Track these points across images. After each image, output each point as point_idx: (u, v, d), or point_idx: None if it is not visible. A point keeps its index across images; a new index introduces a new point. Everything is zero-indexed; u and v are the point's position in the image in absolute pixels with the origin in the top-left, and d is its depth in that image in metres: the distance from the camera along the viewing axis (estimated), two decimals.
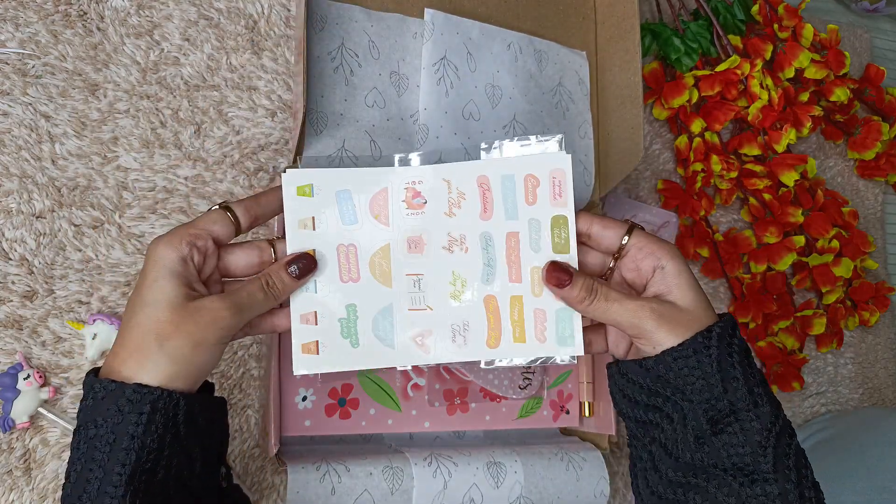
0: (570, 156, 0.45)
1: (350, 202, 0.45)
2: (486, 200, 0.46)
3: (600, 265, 0.45)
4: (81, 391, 0.53)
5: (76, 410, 0.53)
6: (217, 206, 0.43)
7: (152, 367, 0.38)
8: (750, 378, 0.41)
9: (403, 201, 0.46)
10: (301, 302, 0.44)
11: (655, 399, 0.43)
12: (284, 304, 0.45)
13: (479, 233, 0.45)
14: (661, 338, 0.41)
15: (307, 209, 0.45)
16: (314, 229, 0.45)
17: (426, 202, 0.46)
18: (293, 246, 0.44)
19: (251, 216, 0.44)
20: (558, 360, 0.45)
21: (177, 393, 0.38)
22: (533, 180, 0.45)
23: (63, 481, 0.37)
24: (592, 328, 0.47)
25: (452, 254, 0.46)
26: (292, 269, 0.43)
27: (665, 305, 0.41)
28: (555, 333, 0.45)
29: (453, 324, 0.45)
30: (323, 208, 0.45)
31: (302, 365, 0.44)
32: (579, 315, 0.45)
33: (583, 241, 0.45)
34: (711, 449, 0.40)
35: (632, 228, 0.44)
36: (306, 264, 0.43)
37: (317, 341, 0.44)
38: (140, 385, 0.37)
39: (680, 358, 0.40)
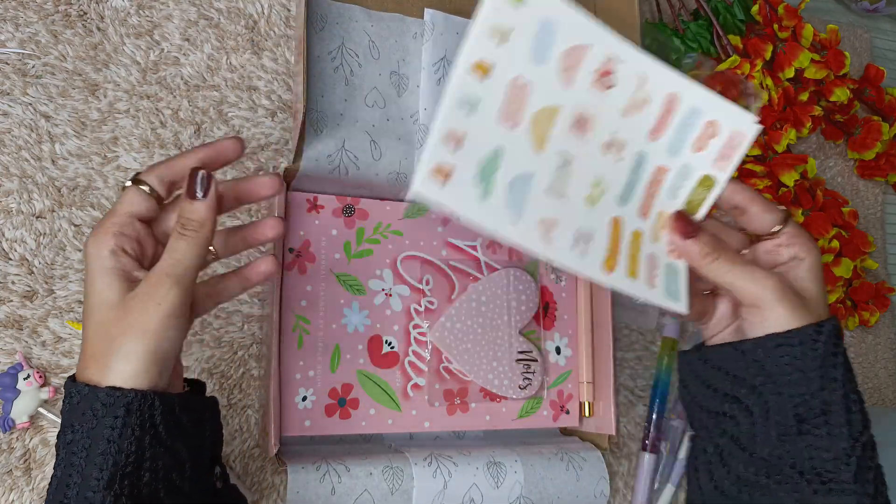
0: (759, 128, 0.43)
1: (551, 36, 0.38)
2: (662, 121, 0.42)
3: (736, 244, 0.44)
4: None
5: None
6: (129, 183, 0.40)
7: (114, 370, 0.36)
8: (848, 383, 0.40)
9: (595, 71, 0.40)
10: (452, 117, 0.36)
11: (738, 389, 0.41)
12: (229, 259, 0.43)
13: (638, 149, 0.42)
14: (777, 315, 0.40)
15: (509, 17, 0.36)
16: (506, 42, 0.36)
17: (612, 87, 0.40)
18: (471, 54, 0.36)
19: (167, 183, 0.40)
20: (664, 307, 0.43)
21: (152, 393, 0.37)
22: (712, 128, 0.43)
23: (46, 489, 0.37)
24: (700, 298, 0.45)
25: (605, 156, 0.41)
26: (197, 194, 0.39)
27: (791, 286, 0.41)
28: (663, 284, 0.43)
29: (579, 228, 0.40)
30: (521, 26, 0.37)
31: (424, 186, 0.36)
32: (686, 275, 0.43)
33: (735, 215, 0.44)
34: (793, 448, 0.39)
35: (787, 217, 0.43)
36: (205, 178, 0.40)
37: (454, 166, 0.36)
38: (113, 388, 0.36)
39: (784, 345, 0.39)
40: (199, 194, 0.39)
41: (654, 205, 0.43)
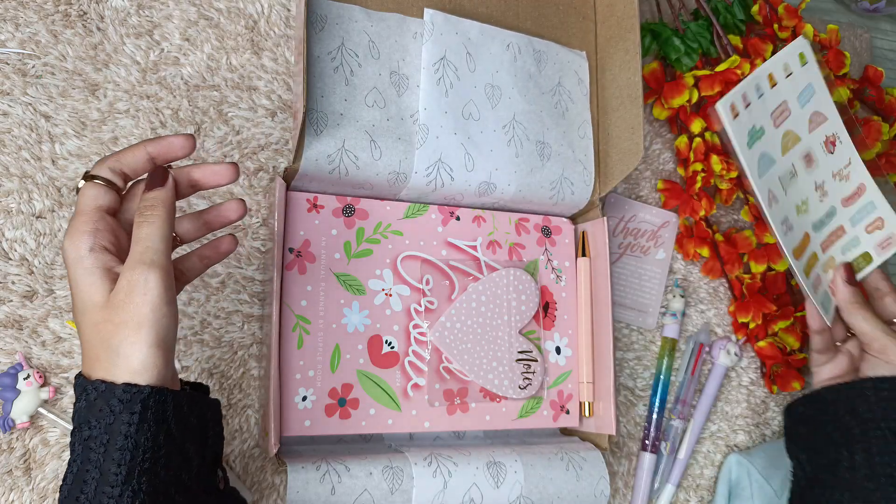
0: None
1: (810, 94, 0.60)
2: (852, 197, 0.62)
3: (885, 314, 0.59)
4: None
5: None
6: (82, 182, 0.41)
7: (121, 367, 0.37)
8: None
9: (826, 136, 0.62)
10: (749, 88, 0.57)
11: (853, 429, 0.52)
12: (212, 226, 0.46)
13: (833, 203, 0.62)
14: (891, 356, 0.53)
15: (794, 65, 0.59)
16: (787, 77, 0.59)
17: (832, 153, 0.62)
18: (770, 68, 0.58)
19: (120, 173, 0.42)
20: (820, 311, 0.58)
21: (165, 390, 0.37)
22: (880, 222, 0.62)
23: (61, 484, 0.37)
24: (830, 339, 0.61)
25: (815, 191, 0.61)
26: (153, 184, 0.41)
27: None
28: (821, 297, 0.59)
29: (787, 217, 0.59)
30: (798, 75, 0.60)
31: (722, 107, 0.57)
32: (835, 303, 0.59)
33: (875, 296, 0.59)
34: None
35: None
36: (159, 171, 0.42)
37: (740, 113, 0.58)
38: (129, 385, 0.36)
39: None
40: (159, 184, 0.41)
41: (830, 250, 0.61)
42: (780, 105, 0.59)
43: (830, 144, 0.61)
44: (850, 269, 0.58)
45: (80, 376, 0.39)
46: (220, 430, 0.44)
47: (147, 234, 0.39)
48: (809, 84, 0.60)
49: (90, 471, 0.36)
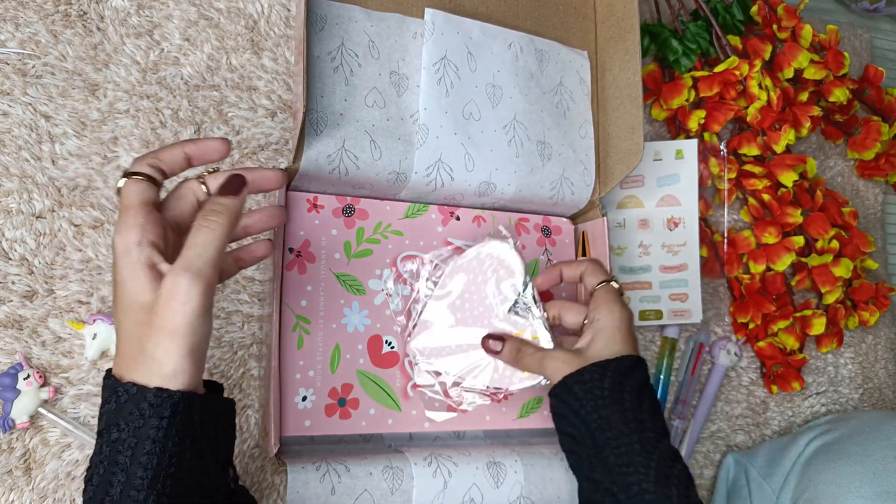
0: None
1: (676, 180, 0.72)
2: (681, 267, 0.73)
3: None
4: (81, 391, 0.53)
5: (76, 411, 0.53)
6: (123, 180, 0.40)
7: (153, 370, 0.37)
8: (637, 406, 0.49)
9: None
10: None
11: (567, 427, 0.52)
12: (253, 232, 0.46)
13: (660, 264, 0.73)
14: (556, 379, 0.52)
15: None
16: None
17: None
18: None
19: (158, 168, 0.41)
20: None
21: (195, 395, 0.37)
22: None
23: (85, 484, 0.37)
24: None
25: (639, 248, 0.73)
26: (228, 191, 0.41)
27: (570, 353, 0.52)
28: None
29: None
30: None
31: None
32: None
33: (556, 320, 0.58)
34: (606, 471, 0.48)
35: (585, 313, 0.55)
36: (237, 180, 0.42)
37: None
38: (160, 389, 0.36)
39: (578, 382, 0.50)
40: (232, 192, 0.41)
41: (629, 292, 0.73)
42: (636, 176, 0.72)
43: (673, 224, 0.71)
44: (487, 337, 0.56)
45: (110, 376, 0.39)
46: (234, 431, 0.44)
47: (203, 242, 0.38)
48: (676, 174, 0.72)
49: (116, 474, 0.36)
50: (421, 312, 0.59)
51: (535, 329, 0.56)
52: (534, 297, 0.56)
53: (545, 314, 0.56)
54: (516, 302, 0.56)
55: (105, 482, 0.36)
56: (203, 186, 0.43)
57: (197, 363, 0.38)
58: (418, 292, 0.60)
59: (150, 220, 0.39)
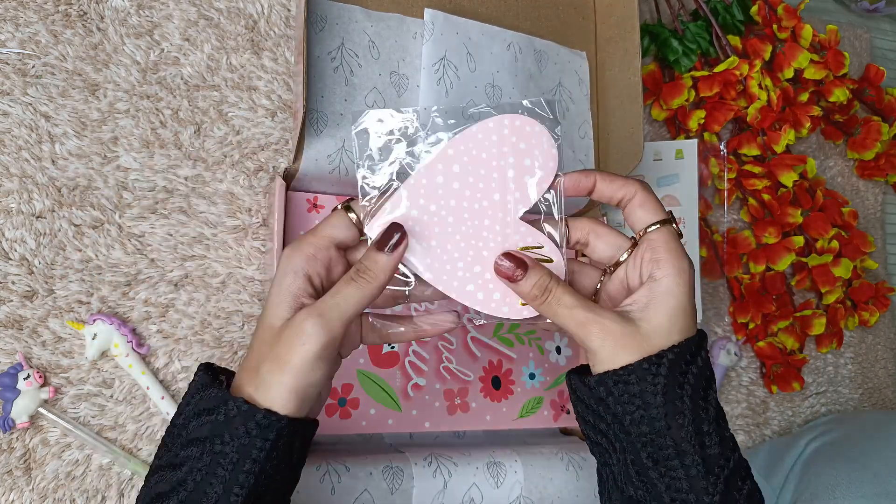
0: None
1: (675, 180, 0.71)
2: None
3: (588, 282, 0.43)
4: (81, 391, 0.53)
5: (76, 411, 0.53)
6: (339, 207, 0.40)
7: (262, 392, 0.37)
8: (700, 414, 0.37)
9: None
10: None
11: (600, 423, 0.39)
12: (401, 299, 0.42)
13: None
14: (604, 357, 0.37)
15: None
16: None
17: None
18: None
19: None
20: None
21: (301, 422, 0.38)
22: None
23: (174, 486, 0.37)
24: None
25: None
26: (387, 248, 0.38)
27: (622, 323, 0.38)
28: None
29: None
30: None
31: None
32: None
33: (580, 249, 0.43)
34: (654, 490, 0.36)
35: (634, 242, 0.40)
36: (398, 236, 0.39)
37: None
38: (270, 412, 0.36)
39: (620, 383, 0.37)
40: (388, 248, 0.38)
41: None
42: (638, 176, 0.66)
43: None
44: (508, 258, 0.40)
45: (220, 384, 0.38)
46: (308, 449, 0.43)
47: (345, 294, 0.38)
48: (676, 174, 0.69)
49: (214, 485, 0.36)
50: (393, 188, 0.41)
51: (542, 246, 0.41)
52: (559, 205, 0.41)
53: (568, 232, 0.42)
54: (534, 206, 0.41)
55: (200, 490, 0.36)
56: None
57: (302, 402, 0.37)
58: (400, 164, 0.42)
59: (322, 256, 0.39)
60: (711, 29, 0.77)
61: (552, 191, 0.41)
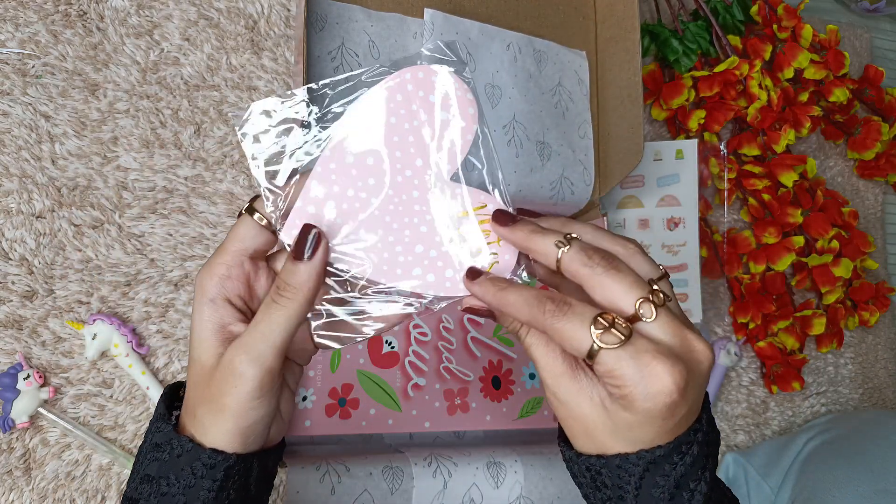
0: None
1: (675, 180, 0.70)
2: (681, 267, 0.70)
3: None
4: (81, 391, 0.53)
5: (76, 411, 0.53)
6: (242, 211, 0.35)
7: (205, 432, 0.34)
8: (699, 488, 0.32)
9: None
10: None
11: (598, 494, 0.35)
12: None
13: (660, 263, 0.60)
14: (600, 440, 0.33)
15: None
16: None
17: None
18: None
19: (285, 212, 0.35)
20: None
21: (252, 457, 0.35)
22: None
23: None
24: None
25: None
26: (304, 253, 0.34)
27: (615, 404, 0.31)
28: None
29: None
30: None
31: None
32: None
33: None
34: None
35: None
36: (313, 238, 0.34)
37: None
38: (215, 451, 0.34)
39: (621, 466, 0.32)
40: (307, 255, 0.34)
41: None
42: (636, 176, 0.70)
43: (673, 224, 0.70)
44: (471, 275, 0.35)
45: (166, 419, 0.36)
46: (276, 471, 0.41)
47: (271, 321, 0.33)
48: (676, 174, 0.70)
49: None
50: (299, 180, 0.35)
51: (486, 205, 0.35)
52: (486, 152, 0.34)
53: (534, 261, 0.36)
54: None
55: None
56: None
57: (248, 440, 0.35)
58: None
59: (236, 273, 0.35)
60: (711, 29, 0.77)
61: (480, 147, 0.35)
